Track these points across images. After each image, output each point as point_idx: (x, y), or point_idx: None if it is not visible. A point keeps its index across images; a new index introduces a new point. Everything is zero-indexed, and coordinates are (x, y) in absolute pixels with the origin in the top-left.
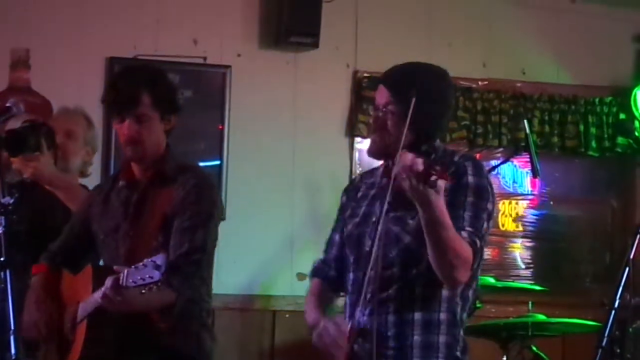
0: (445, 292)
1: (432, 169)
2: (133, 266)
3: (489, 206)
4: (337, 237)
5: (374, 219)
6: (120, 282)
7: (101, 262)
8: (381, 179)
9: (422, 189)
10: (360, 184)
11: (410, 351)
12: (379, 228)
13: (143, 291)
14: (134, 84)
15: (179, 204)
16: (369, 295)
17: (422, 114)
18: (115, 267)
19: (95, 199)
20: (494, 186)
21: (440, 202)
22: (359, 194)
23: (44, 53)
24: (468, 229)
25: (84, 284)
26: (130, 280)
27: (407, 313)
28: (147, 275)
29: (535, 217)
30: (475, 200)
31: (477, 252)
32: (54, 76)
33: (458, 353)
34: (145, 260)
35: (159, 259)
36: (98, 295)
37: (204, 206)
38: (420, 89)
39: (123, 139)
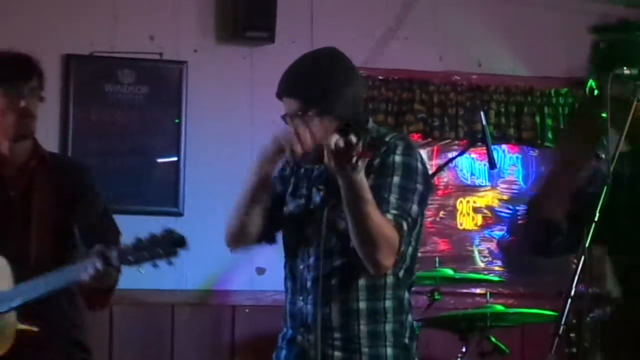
0: (390, 279)
1: (352, 148)
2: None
3: (419, 186)
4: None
5: (311, 206)
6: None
7: None
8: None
9: (344, 167)
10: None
11: (357, 341)
12: (324, 216)
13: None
14: None
15: (79, 190)
16: (309, 284)
17: (338, 105)
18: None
19: None
20: (451, 178)
21: (360, 178)
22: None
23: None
24: (393, 211)
25: None
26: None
27: (352, 302)
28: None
29: (493, 208)
30: (402, 180)
31: (403, 235)
32: None
33: (406, 340)
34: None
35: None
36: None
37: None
38: (325, 88)
39: None
